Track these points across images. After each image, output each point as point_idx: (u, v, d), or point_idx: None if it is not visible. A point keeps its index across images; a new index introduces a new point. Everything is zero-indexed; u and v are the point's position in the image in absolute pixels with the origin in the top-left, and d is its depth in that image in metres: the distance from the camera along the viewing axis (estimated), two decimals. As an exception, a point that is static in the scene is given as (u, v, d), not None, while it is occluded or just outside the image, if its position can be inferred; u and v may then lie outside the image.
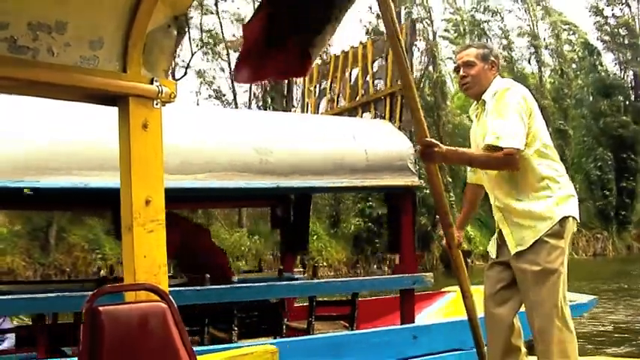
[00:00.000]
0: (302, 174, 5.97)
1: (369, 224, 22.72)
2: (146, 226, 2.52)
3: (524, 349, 3.38)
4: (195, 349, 2.54)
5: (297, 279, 6.79)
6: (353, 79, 7.44)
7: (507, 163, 3.21)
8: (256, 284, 6.21)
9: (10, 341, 6.01)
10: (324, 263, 20.96)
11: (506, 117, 3.20)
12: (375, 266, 22.90)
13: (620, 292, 14.36)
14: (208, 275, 5.77)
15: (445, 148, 3.30)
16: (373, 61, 7.51)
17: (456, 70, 3.58)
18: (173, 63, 22.33)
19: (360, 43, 7.75)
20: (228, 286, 5.97)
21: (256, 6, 2.46)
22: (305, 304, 6.52)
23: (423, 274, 6.42)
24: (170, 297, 2.51)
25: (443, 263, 21.01)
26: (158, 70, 2.60)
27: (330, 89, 8.07)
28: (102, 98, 2.57)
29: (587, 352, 7.38)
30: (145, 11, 2.53)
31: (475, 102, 3.55)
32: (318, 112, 8.30)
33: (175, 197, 5.84)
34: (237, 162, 5.71)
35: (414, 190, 6.41)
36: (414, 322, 6.29)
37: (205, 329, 5.74)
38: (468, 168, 3.76)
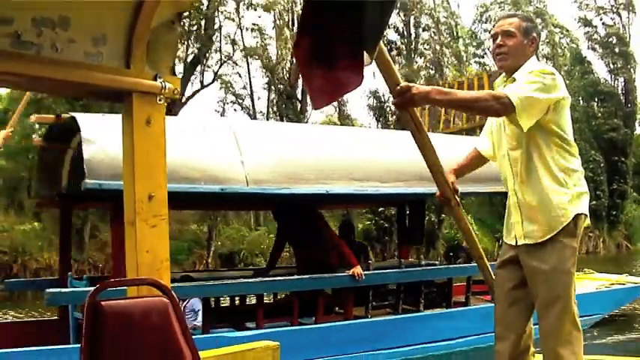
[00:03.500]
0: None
1: (382, 222, 22.21)
2: (149, 221, 2.34)
3: (532, 349, 3.05)
4: (195, 341, 2.32)
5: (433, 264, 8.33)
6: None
7: (494, 110, 2.76)
8: (436, 267, 7.91)
9: (199, 318, 6.56)
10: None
11: (534, 92, 2.77)
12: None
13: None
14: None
15: (429, 88, 2.68)
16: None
17: (493, 37, 3.07)
18: (200, 69, 22.01)
19: (476, 75, 8.72)
20: (419, 269, 7.53)
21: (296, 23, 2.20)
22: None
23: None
24: (172, 291, 2.29)
25: (447, 261, 20.66)
26: (162, 66, 2.41)
27: (445, 112, 9.07)
28: (106, 94, 2.38)
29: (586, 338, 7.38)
30: (148, 8, 2.35)
31: (504, 74, 3.08)
32: (430, 131, 9.08)
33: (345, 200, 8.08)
34: (404, 172, 6.75)
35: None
36: None
37: (400, 302, 7.11)
38: (484, 139, 3.29)
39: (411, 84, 2.70)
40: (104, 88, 2.33)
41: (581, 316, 7.87)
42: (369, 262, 7.45)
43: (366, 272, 6.75)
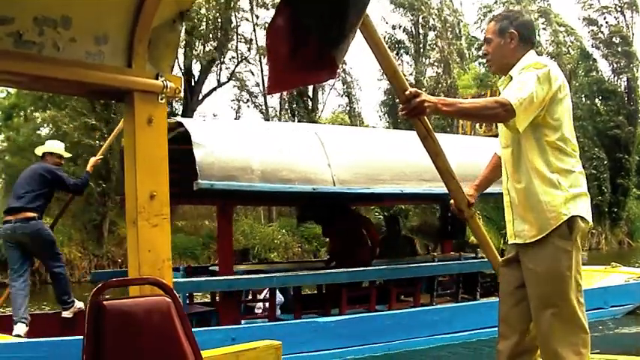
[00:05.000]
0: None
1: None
2: (150, 220, 2.25)
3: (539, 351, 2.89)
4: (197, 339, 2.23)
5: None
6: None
7: (501, 116, 2.64)
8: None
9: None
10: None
11: (531, 88, 2.64)
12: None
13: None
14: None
15: (436, 99, 2.59)
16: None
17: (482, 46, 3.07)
18: (218, 69, 21.85)
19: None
20: (477, 261, 7.74)
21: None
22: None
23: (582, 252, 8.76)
24: (174, 291, 2.21)
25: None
26: (163, 65, 2.33)
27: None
28: (107, 93, 2.30)
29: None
30: (150, 7, 2.27)
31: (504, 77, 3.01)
32: (473, 133, 9.35)
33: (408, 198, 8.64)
34: (470, 174, 6.95)
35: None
36: None
37: (459, 291, 7.67)
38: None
39: (420, 91, 2.59)
40: (106, 87, 2.25)
41: (615, 306, 8.11)
42: (434, 254, 7.97)
43: (431, 264, 7.47)
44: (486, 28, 2.99)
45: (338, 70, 2.23)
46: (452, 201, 3.12)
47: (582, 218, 2.78)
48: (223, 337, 5.60)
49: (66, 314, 6.25)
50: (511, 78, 2.83)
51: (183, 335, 2.21)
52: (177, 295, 2.24)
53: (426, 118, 2.75)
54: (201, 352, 2.25)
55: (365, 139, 7.56)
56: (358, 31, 2.51)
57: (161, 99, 2.28)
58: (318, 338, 6.20)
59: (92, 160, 7.00)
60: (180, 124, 6.15)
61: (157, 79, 2.29)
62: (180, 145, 6.15)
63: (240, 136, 6.42)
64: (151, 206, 2.25)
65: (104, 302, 2.13)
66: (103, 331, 2.11)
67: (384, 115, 25.97)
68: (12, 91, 19.38)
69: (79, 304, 6.33)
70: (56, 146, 6.67)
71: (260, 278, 6.33)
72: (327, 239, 8.60)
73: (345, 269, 6.88)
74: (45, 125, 18.63)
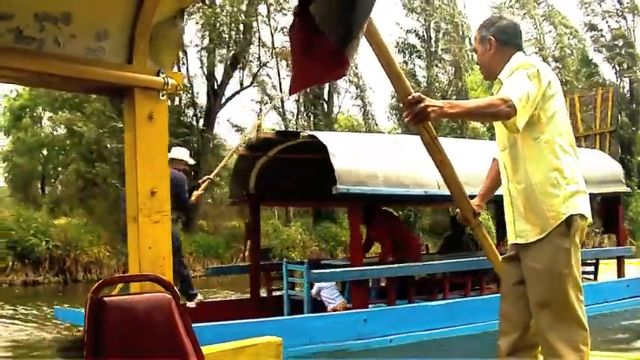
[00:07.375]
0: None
1: (409, 213, 21.63)
2: (151, 217, 2.14)
3: (540, 348, 2.75)
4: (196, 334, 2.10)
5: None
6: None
7: (505, 113, 2.47)
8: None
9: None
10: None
11: (525, 86, 2.53)
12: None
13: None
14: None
15: (442, 103, 2.42)
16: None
17: None
18: (241, 73, 21.58)
19: (568, 97, 10.02)
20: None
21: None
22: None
23: (630, 246, 10.05)
24: (175, 288, 2.08)
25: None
26: (164, 61, 2.22)
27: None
28: (108, 90, 2.19)
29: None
30: (150, 3, 2.16)
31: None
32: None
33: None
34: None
35: (624, 195, 9.60)
36: (624, 277, 9.01)
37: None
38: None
39: (424, 96, 2.43)
40: (106, 83, 2.15)
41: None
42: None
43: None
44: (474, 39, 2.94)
45: (348, 69, 2.10)
46: (457, 210, 3.00)
47: (581, 215, 2.68)
48: (357, 319, 6.50)
49: (190, 304, 6.89)
50: (501, 82, 2.73)
51: (183, 331, 2.10)
52: (177, 292, 2.12)
53: (430, 124, 2.62)
54: (202, 347, 2.13)
55: (455, 150, 7.84)
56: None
57: (162, 95, 2.17)
58: (427, 319, 6.96)
59: (203, 183, 7.44)
60: (313, 137, 7.10)
61: (157, 75, 2.18)
62: (302, 154, 7.40)
63: (359, 147, 7.24)
64: (151, 203, 2.14)
65: (105, 299, 2.02)
66: (104, 327, 2.00)
67: (393, 116, 25.65)
68: (22, 92, 19.14)
69: (200, 297, 7.32)
70: (178, 154, 7.15)
71: (383, 269, 7.04)
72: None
73: (448, 260, 7.63)
74: (59, 127, 18.42)
